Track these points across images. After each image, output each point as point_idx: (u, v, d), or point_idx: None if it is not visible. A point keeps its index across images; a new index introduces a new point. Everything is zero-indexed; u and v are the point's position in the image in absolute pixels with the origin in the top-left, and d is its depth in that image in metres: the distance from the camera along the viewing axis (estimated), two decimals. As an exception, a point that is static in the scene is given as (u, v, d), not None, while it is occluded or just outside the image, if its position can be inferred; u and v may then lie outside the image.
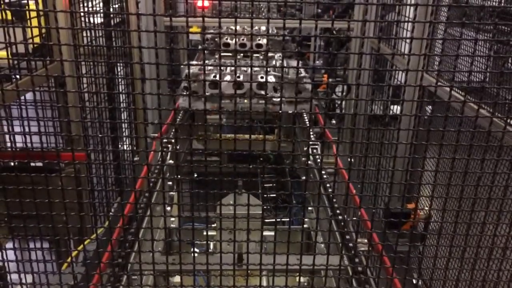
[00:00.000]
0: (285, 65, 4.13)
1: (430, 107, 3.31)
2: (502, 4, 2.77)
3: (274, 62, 4.54)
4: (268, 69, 4.44)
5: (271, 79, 3.94)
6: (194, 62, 4.58)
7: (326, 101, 5.17)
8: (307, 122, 4.20)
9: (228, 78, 3.84)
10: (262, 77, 3.59)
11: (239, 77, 3.88)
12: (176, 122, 3.84)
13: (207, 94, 3.69)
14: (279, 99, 3.64)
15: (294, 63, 4.54)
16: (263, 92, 3.74)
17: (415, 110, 1.85)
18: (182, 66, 4.78)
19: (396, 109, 4.21)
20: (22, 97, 3.27)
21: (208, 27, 4.96)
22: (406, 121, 3.21)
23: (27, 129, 1.42)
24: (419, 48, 3.09)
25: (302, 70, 4.39)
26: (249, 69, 4.55)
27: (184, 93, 3.76)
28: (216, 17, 1.12)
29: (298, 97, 3.39)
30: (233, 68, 3.89)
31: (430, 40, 2.53)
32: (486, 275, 1.58)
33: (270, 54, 4.62)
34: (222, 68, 3.82)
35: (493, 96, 1.43)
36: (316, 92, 5.43)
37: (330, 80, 5.12)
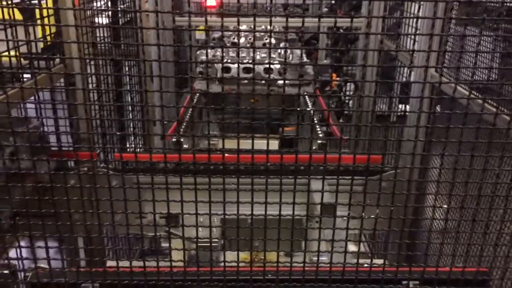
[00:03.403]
0: (289, 54, 4.39)
1: (438, 105, 3.29)
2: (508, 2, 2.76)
3: (279, 50, 4.68)
4: (273, 56, 4.58)
5: (276, 65, 4.26)
6: (210, 50, 4.62)
7: (334, 100, 5.19)
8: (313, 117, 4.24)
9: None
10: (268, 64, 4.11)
11: (249, 62, 4.15)
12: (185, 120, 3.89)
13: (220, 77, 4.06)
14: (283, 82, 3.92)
15: (298, 51, 4.70)
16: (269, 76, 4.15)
17: (428, 108, 1.85)
18: (198, 53, 4.82)
19: (402, 107, 4.19)
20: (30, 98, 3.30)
21: (215, 27, 4.96)
22: (412, 119, 3.21)
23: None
24: (428, 46, 3.07)
25: (304, 56, 4.64)
26: (257, 56, 4.68)
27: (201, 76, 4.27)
28: (234, 15, 1.14)
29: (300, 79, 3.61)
30: (243, 54, 4.27)
31: (442, 37, 2.52)
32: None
33: (274, 42, 4.84)
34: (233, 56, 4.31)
35: (499, 93, 1.43)
36: (324, 91, 5.43)
37: (339, 78, 5.13)
